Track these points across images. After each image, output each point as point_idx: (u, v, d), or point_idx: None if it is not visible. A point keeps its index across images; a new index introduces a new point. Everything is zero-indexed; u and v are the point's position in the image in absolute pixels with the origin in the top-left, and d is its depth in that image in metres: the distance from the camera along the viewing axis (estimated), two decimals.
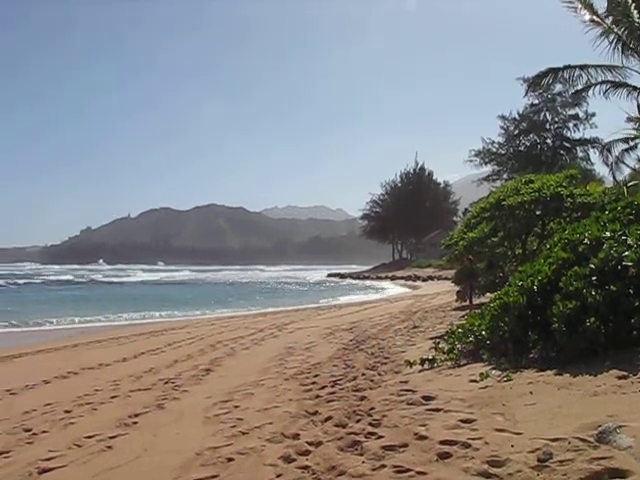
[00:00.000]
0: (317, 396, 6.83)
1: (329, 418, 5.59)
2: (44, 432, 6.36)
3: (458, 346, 7.51)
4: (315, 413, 5.96)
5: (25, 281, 69.29)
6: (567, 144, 58.22)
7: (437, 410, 5.04)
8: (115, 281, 77.42)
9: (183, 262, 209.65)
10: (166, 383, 8.85)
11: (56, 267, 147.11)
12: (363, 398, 6.15)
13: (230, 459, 4.80)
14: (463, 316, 13.65)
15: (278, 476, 4.28)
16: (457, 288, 20.90)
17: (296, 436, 5.18)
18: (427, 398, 5.50)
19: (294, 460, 4.56)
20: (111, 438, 5.87)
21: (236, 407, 6.77)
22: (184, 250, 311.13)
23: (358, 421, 5.25)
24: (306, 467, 4.37)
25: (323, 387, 7.32)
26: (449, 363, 7.06)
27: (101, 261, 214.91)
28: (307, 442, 4.93)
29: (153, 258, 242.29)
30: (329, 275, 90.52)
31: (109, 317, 25.91)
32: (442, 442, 4.21)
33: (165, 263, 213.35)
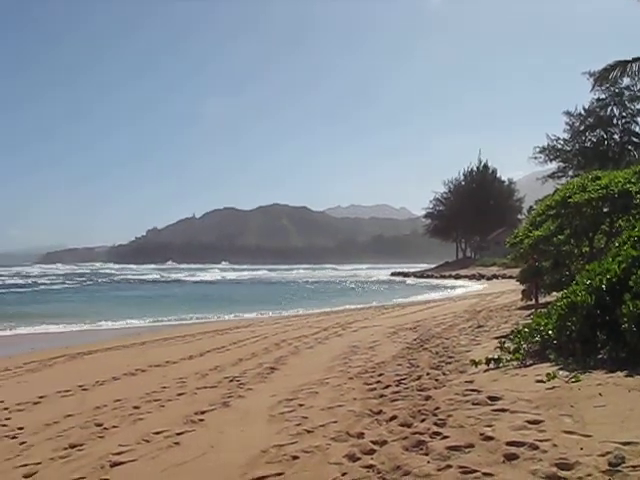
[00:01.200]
0: (381, 395, 6.81)
1: (394, 417, 5.57)
2: (114, 427, 6.53)
3: (524, 346, 7.36)
4: (380, 412, 5.93)
5: (106, 279, 71.77)
6: (635, 139, 56.14)
7: (503, 410, 4.95)
8: (193, 280, 78.91)
9: (247, 261, 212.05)
10: (231, 381, 8.96)
11: (133, 266, 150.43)
12: (428, 398, 6.09)
13: (295, 457, 4.83)
14: (529, 315, 13.39)
15: (343, 474, 4.29)
16: (522, 287, 20.49)
17: (361, 435, 5.17)
18: (493, 398, 5.40)
19: (359, 459, 4.56)
20: (178, 434, 5.98)
21: (301, 405, 6.80)
22: (248, 249, 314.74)
23: (423, 421, 5.21)
24: (371, 466, 4.36)
25: (387, 386, 7.29)
26: (515, 363, 6.92)
27: (170, 262, 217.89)
28: (372, 441, 4.92)
29: (217, 257, 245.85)
30: (393, 274, 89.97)
31: (178, 316, 26.44)
32: (509, 443, 4.13)
33: (229, 262, 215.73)
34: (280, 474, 4.50)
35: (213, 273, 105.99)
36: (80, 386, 9.30)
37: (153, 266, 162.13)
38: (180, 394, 8.21)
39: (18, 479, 4.99)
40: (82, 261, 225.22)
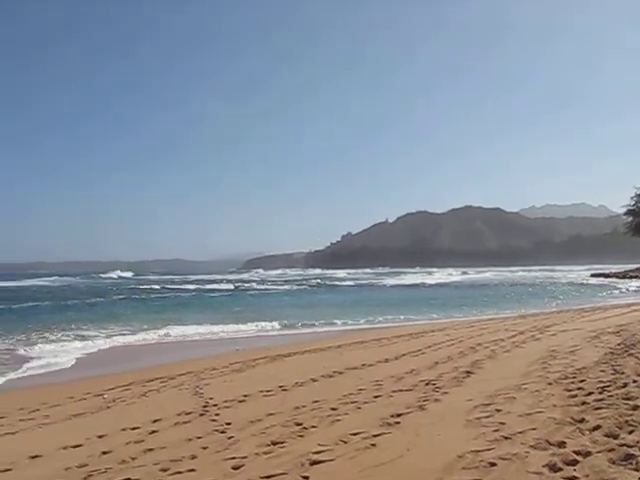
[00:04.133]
0: (583, 402, 6.42)
1: (597, 427, 5.22)
2: (313, 427, 6.72)
3: None
4: (582, 420, 5.60)
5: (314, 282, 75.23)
6: None
7: None
8: (411, 283, 79.56)
9: (440, 265, 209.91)
10: (427, 384, 8.89)
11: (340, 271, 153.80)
12: (636, 407, 5.65)
13: (492, 464, 4.68)
14: None
15: None
16: None
17: (562, 444, 4.90)
18: None
19: (560, 469, 4.32)
20: (375, 436, 6.03)
21: (498, 411, 6.59)
22: (441, 252, 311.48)
23: (631, 432, 4.84)
24: (573, 478, 4.13)
25: (590, 393, 6.86)
26: None
27: (381, 269, 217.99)
28: (574, 451, 4.64)
29: (411, 262, 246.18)
30: (592, 275, 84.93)
31: (375, 319, 27.02)
32: None
33: (421, 266, 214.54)
34: None
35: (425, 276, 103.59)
36: (280, 386, 9.70)
37: (367, 270, 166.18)
38: (376, 396, 8.28)
39: (227, 470, 5.29)
40: (284, 267, 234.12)
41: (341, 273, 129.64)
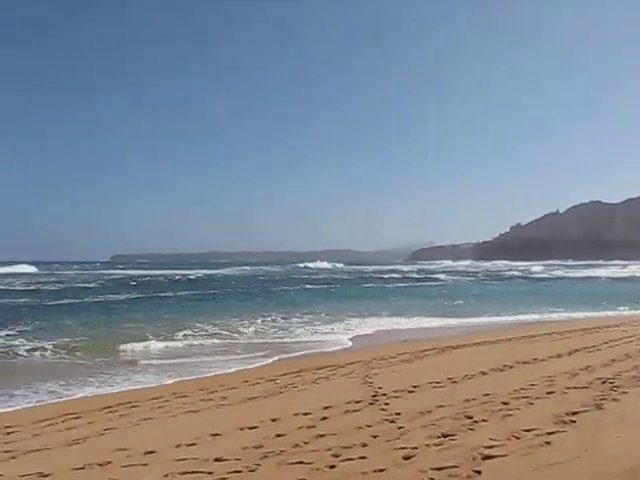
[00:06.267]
0: None
1: None
2: (484, 421, 6.64)
3: None
4: None
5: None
6: None
7: None
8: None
9: (615, 257, 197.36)
10: (603, 382, 8.47)
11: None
12: None
13: None
14: None
15: None
16: None
17: None
18: None
19: None
20: (549, 434, 5.85)
21: None
22: (615, 244, 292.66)
23: None
24: None
25: None
26: None
27: (551, 261, 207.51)
28: None
29: (583, 253, 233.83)
30: None
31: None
32: None
33: (593, 259, 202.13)
34: None
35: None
36: (449, 378, 9.65)
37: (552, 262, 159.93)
38: (549, 392, 8.01)
39: (398, 460, 5.37)
40: (446, 258, 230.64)
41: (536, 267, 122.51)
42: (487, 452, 5.37)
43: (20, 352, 15.81)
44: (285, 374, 11.65)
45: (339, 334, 19.40)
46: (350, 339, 18.22)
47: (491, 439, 5.78)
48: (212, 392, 10.13)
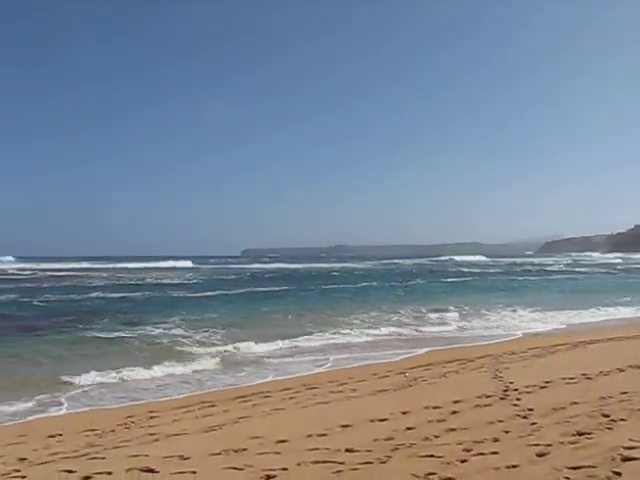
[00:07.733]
0: None
1: None
2: (622, 420, 6.40)
3: None
4: None
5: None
6: None
7: None
8: None
9: None
10: None
11: None
12: None
13: None
14: None
15: None
16: None
17: None
18: None
19: None
20: None
21: None
22: None
23: None
24: None
25: None
26: None
27: None
28: None
29: None
30: None
31: None
32: None
33: None
34: None
35: None
36: (584, 374, 9.36)
37: None
38: None
39: (532, 456, 5.29)
40: (578, 251, 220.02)
41: None
42: (627, 453, 5.16)
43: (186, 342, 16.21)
44: (413, 367, 11.67)
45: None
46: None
47: (631, 440, 5.56)
48: (342, 384, 10.32)
